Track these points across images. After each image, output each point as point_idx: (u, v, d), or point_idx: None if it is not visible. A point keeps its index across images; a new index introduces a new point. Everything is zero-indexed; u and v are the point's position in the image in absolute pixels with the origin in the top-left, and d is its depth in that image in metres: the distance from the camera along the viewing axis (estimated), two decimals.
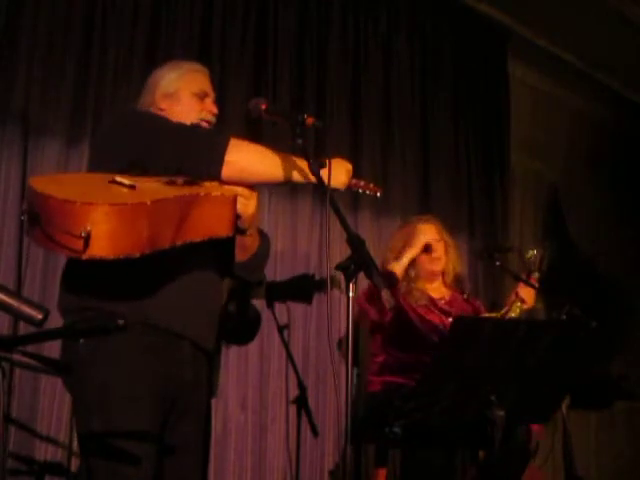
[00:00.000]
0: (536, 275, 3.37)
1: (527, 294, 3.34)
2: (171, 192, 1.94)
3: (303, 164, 2.10)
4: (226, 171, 2.06)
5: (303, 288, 3.48)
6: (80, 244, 1.73)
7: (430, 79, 4.61)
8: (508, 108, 5.05)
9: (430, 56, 4.64)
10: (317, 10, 4.08)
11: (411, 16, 4.55)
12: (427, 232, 3.45)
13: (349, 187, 2.30)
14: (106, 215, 1.77)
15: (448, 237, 3.55)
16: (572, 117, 5.73)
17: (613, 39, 5.09)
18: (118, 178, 1.93)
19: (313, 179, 2.06)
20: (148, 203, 1.83)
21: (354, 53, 4.24)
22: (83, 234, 1.70)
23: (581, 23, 4.91)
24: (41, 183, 1.86)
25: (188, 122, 2.25)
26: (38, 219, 1.78)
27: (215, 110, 2.37)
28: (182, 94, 2.34)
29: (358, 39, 4.26)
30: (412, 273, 3.43)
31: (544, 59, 5.35)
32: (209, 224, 2.00)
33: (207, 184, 2.06)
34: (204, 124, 2.33)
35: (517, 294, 3.34)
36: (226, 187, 2.08)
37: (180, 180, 2.01)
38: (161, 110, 2.30)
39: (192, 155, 2.07)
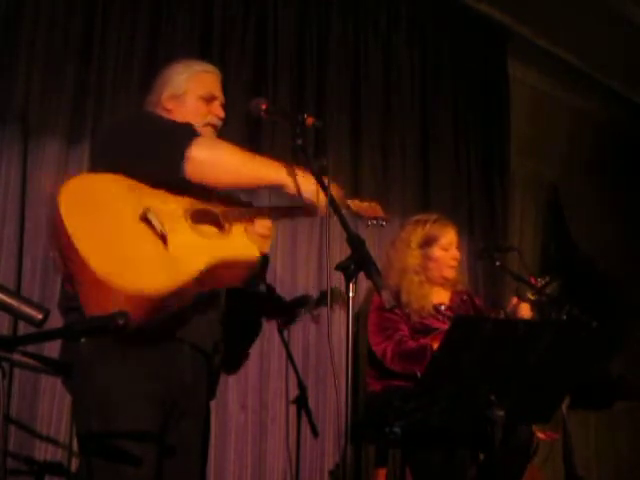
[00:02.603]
0: (536, 297, 3.35)
1: (526, 311, 3.32)
2: (203, 255, 1.98)
3: (282, 170, 2.09)
4: (189, 168, 2.03)
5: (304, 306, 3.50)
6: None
7: (430, 79, 4.61)
8: (508, 108, 5.05)
9: (430, 56, 4.64)
10: (317, 10, 4.08)
11: (411, 16, 4.55)
12: (449, 235, 3.39)
13: (356, 214, 2.39)
14: (142, 301, 1.84)
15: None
16: (572, 117, 5.72)
17: (613, 39, 5.08)
18: (149, 215, 1.97)
19: (293, 189, 2.07)
20: (182, 285, 1.91)
21: (354, 53, 4.23)
22: (120, 322, 1.63)
23: (581, 23, 4.91)
24: (72, 220, 1.85)
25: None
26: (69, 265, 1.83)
27: (222, 114, 2.34)
28: (188, 96, 2.31)
29: (358, 39, 4.26)
30: (416, 279, 3.34)
31: (544, 59, 5.34)
32: (227, 281, 2.12)
33: (234, 228, 2.10)
34: (209, 128, 2.31)
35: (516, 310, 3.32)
36: (249, 229, 2.13)
37: (209, 225, 2.06)
38: (167, 111, 2.29)
39: (156, 153, 2.06)
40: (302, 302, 3.31)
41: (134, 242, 1.94)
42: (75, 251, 1.81)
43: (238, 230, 2.15)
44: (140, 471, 1.93)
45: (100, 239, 1.88)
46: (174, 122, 2.18)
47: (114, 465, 1.92)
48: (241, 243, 2.11)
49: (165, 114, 2.28)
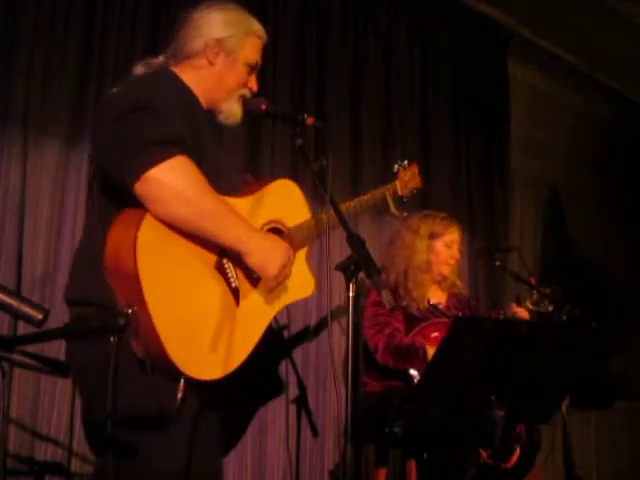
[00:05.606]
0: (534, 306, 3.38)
1: (523, 315, 3.34)
2: (264, 315, 2.02)
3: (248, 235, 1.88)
4: (139, 189, 1.74)
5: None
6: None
7: (430, 79, 4.61)
8: (508, 108, 5.05)
9: (430, 56, 4.64)
10: (317, 10, 4.08)
11: (411, 16, 4.55)
12: (453, 234, 3.42)
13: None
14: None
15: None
16: (572, 117, 5.72)
17: (613, 39, 5.09)
18: (226, 265, 1.91)
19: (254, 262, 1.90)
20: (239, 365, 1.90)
21: (354, 53, 4.24)
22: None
23: (581, 23, 4.91)
24: (146, 267, 1.71)
25: (230, 94, 2.06)
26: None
27: (255, 88, 2.13)
28: (239, 59, 2.07)
29: (358, 39, 4.26)
30: (419, 273, 3.34)
31: (544, 59, 5.35)
32: None
33: (297, 256, 2.08)
34: (240, 101, 2.10)
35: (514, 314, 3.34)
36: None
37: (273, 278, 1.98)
38: (211, 65, 2.04)
39: (115, 155, 1.78)
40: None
41: (204, 306, 1.84)
42: (144, 303, 1.72)
43: (300, 258, 2.10)
44: (169, 465, 1.83)
45: (171, 294, 1.76)
46: (161, 131, 1.79)
47: (138, 459, 1.80)
48: (300, 279, 2.08)
49: (199, 68, 2.03)
